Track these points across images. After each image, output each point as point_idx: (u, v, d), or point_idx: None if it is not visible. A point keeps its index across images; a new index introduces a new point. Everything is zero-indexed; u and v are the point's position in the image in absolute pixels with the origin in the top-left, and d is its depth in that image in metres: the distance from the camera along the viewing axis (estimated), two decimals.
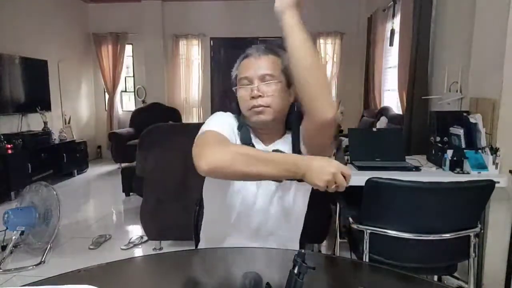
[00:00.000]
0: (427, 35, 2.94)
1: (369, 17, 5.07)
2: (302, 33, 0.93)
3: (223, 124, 1.08)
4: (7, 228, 2.53)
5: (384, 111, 4.16)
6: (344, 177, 0.87)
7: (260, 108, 1.06)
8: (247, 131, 1.12)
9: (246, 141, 1.09)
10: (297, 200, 1.14)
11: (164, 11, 6.00)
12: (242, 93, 1.10)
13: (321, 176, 0.86)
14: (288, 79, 1.09)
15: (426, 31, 2.93)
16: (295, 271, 0.67)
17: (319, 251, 2.62)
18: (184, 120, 6.08)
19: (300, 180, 0.90)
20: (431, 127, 2.27)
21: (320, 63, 1.06)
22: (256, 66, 1.09)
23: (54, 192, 2.59)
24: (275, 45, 1.14)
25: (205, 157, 0.90)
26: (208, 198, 1.22)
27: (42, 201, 2.60)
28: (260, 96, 1.06)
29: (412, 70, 3.09)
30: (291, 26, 0.93)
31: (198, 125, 1.10)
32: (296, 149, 1.10)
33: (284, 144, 1.12)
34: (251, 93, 1.07)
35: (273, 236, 1.14)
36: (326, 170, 0.86)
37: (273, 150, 1.01)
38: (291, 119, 1.13)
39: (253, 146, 1.08)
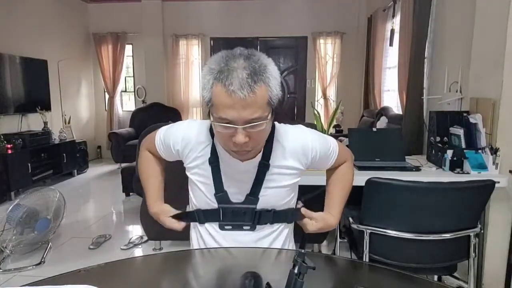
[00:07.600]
0: (427, 35, 2.93)
1: (369, 17, 5.07)
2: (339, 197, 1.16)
3: (168, 135, 1.14)
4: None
5: (384, 111, 4.15)
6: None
7: (243, 152, 0.95)
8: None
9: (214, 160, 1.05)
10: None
11: (164, 11, 6.01)
12: (221, 132, 0.91)
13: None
14: (271, 107, 0.92)
15: (426, 31, 2.93)
16: (295, 271, 0.67)
17: (319, 251, 2.62)
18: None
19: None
20: (431, 127, 2.27)
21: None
22: (241, 108, 0.85)
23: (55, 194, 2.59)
24: (260, 65, 0.86)
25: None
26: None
27: (34, 203, 2.58)
28: (245, 142, 0.90)
29: (412, 70, 3.09)
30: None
31: None
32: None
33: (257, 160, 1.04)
34: (233, 137, 0.90)
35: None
36: (152, 216, 1.21)
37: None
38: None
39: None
